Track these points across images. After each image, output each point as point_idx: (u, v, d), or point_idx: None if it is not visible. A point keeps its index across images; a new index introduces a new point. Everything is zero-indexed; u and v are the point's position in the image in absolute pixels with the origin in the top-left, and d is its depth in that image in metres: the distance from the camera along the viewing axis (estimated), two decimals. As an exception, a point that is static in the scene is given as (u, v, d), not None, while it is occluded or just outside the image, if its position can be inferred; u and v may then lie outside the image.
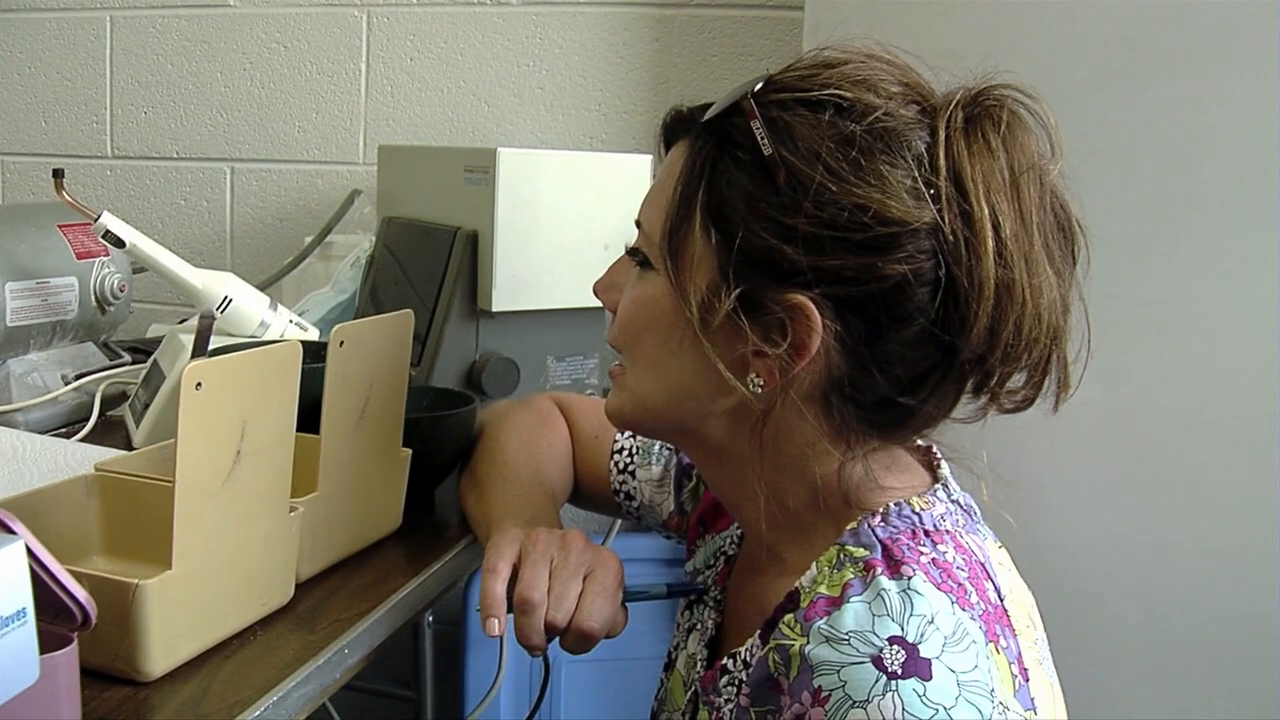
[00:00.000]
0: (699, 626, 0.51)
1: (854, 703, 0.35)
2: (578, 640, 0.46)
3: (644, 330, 0.44)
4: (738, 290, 0.39)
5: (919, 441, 0.45)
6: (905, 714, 0.34)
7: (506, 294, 0.76)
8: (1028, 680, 0.39)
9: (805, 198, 0.38)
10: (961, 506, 0.44)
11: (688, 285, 0.41)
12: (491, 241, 0.75)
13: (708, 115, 0.41)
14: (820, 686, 0.36)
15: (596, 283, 0.48)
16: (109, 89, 1.21)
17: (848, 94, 0.39)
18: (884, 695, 0.35)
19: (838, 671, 0.36)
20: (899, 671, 0.35)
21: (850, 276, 0.38)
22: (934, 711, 0.34)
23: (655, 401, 0.44)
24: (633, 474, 0.61)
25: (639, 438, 0.62)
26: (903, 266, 0.38)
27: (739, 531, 0.52)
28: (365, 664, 0.48)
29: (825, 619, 0.38)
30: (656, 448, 0.61)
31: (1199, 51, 0.68)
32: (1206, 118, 0.68)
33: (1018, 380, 0.41)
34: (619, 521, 0.91)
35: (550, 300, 0.78)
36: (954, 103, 0.40)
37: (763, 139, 0.39)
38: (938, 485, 0.43)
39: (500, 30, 1.09)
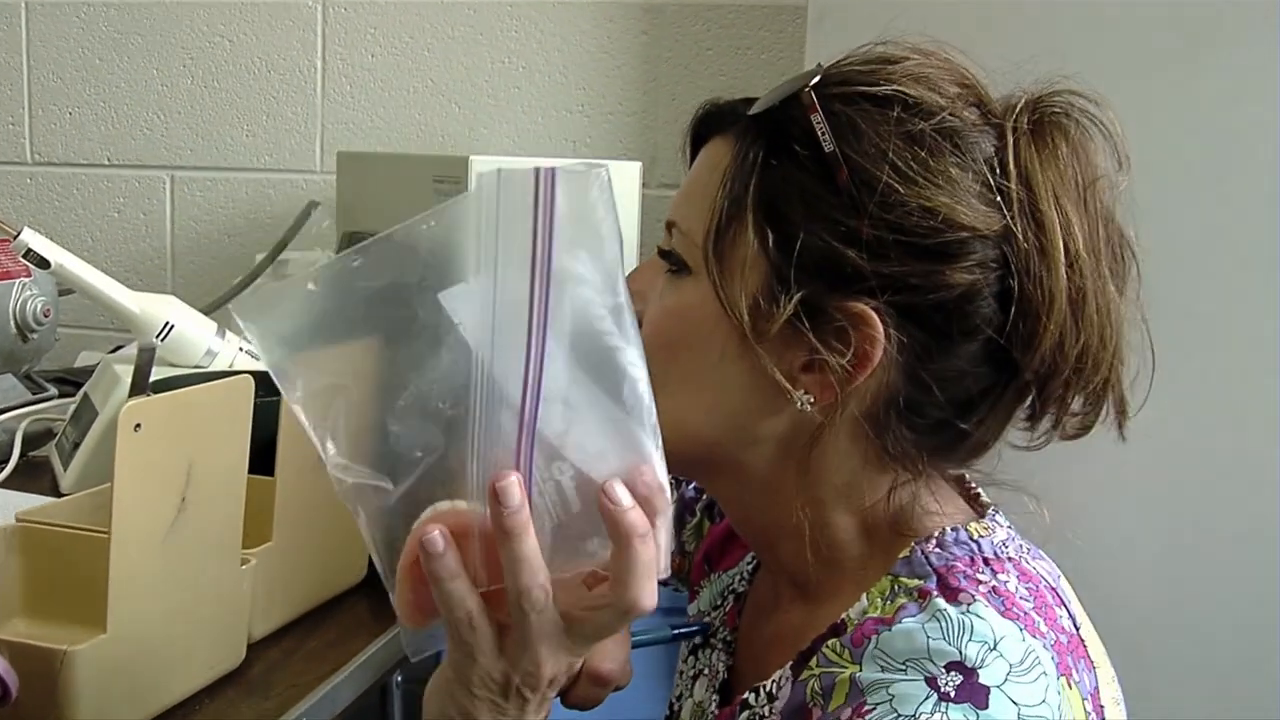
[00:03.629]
0: (706, 671, 0.51)
1: (899, 716, 0.36)
2: (589, 687, 0.45)
3: (679, 343, 0.43)
4: (798, 295, 0.40)
5: (950, 470, 0.46)
6: None
7: (482, 316, 0.77)
8: None
9: (870, 199, 0.39)
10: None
11: (735, 291, 0.41)
12: (465, 258, 0.76)
13: (758, 107, 0.42)
14: (865, 702, 0.37)
15: None
16: (27, 87, 1.22)
17: (911, 91, 0.40)
18: (932, 714, 0.35)
19: (887, 688, 0.37)
20: (952, 695, 0.36)
21: (915, 284, 0.39)
22: None
23: (695, 426, 0.43)
24: None
25: None
26: (971, 275, 0.39)
27: (749, 567, 0.53)
28: (326, 735, 0.48)
29: (875, 639, 0.38)
30: None
31: (1245, 34, 0.69)
32: (1256, 107, 0.69)
33: (1076, 403, 0.42)
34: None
35: (530, 322, 0.79)
36: (1019, 106, 0.41)
37: (824, 134, 0.39)
38: (992, 509, 0.44)
39: (472, 23, 1.10)
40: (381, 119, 1.13)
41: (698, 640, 0.53)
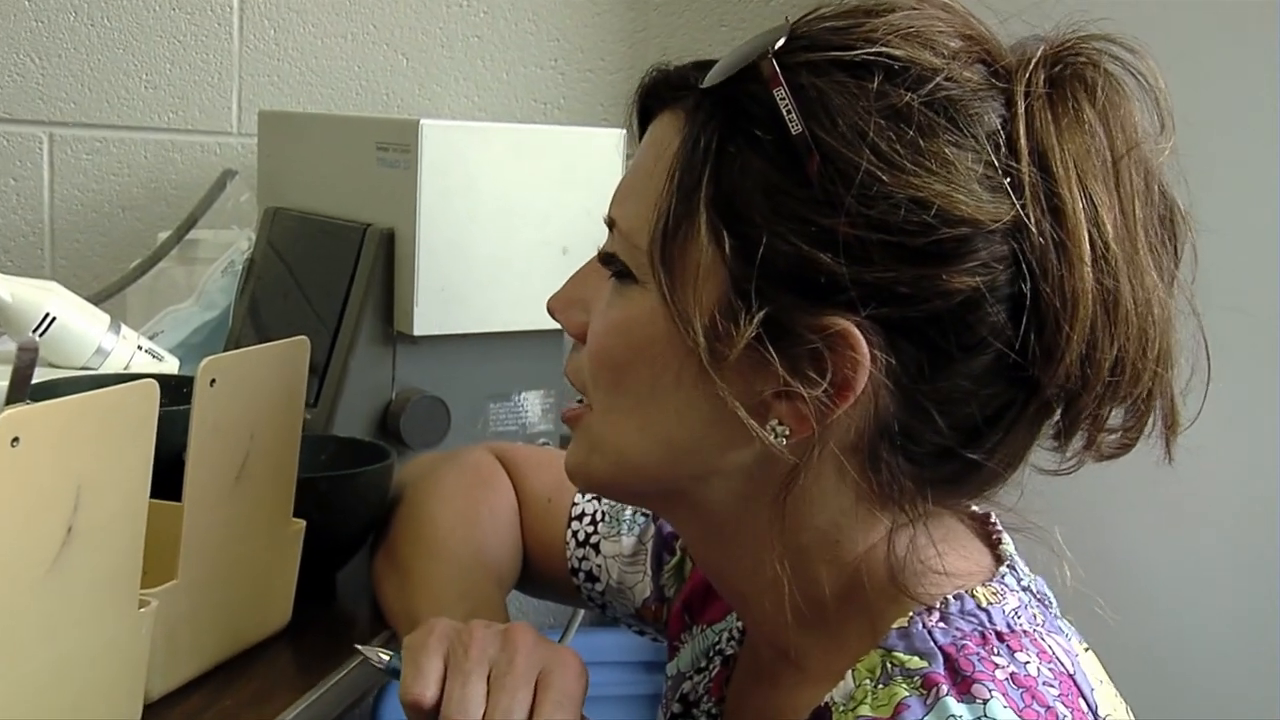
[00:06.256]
0: None
1: None
2: None
3: (627, 364, 0.43)
4: (761, 313, 0.39)
5: (973, 506, 0.46)
6: None
7: (432, 313, 0.77)
8: None
9: (847, 191, 0.38)
10: (1035, 595, 0.44)
11: (689, 305, 0.41)
12: (413, 243, 0.76)
13: (711, 79, 0.41)
14: None
15: (553, 298, 0.49)
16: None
17: (898, 52, 0.39)
18: None
19: None
20: None
21: (906, 293, 0.38)
22: None
23: (642, 458, 0.44)
24: (596, 548, 0.62)
25: (607, 500, 0.63)
26: (974, 279, 0.38)
27: (740, 624, 0.53)
28: (241, 814, 0.48)
29: None
30: (629, 513, 0.62)
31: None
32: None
33: (1115, 418, 0.41)
34: (580, 613, 0.92)
35: (490, 321, 0.79)
36: (1034, 61, 0.40)
37: (789, 113, 0.39)
38: (1003, 568, 0.44)
39: (424, -41, 1.11)
40: (313, 71, 1.13)
41: (676, 709, 0.54)
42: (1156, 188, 0.41)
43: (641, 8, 1.08)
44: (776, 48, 0.40)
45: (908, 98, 0.39)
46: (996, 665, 0.39)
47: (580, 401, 0.47)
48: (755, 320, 0.39)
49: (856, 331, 0.39)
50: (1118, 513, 0.71)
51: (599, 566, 0.62)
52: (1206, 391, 0.42)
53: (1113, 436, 0.42)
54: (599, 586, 0.62)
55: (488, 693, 0.46)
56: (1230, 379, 0.43)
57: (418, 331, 0.77)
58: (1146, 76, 0.41)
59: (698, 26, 1.07)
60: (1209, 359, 0.42)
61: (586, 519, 0.63)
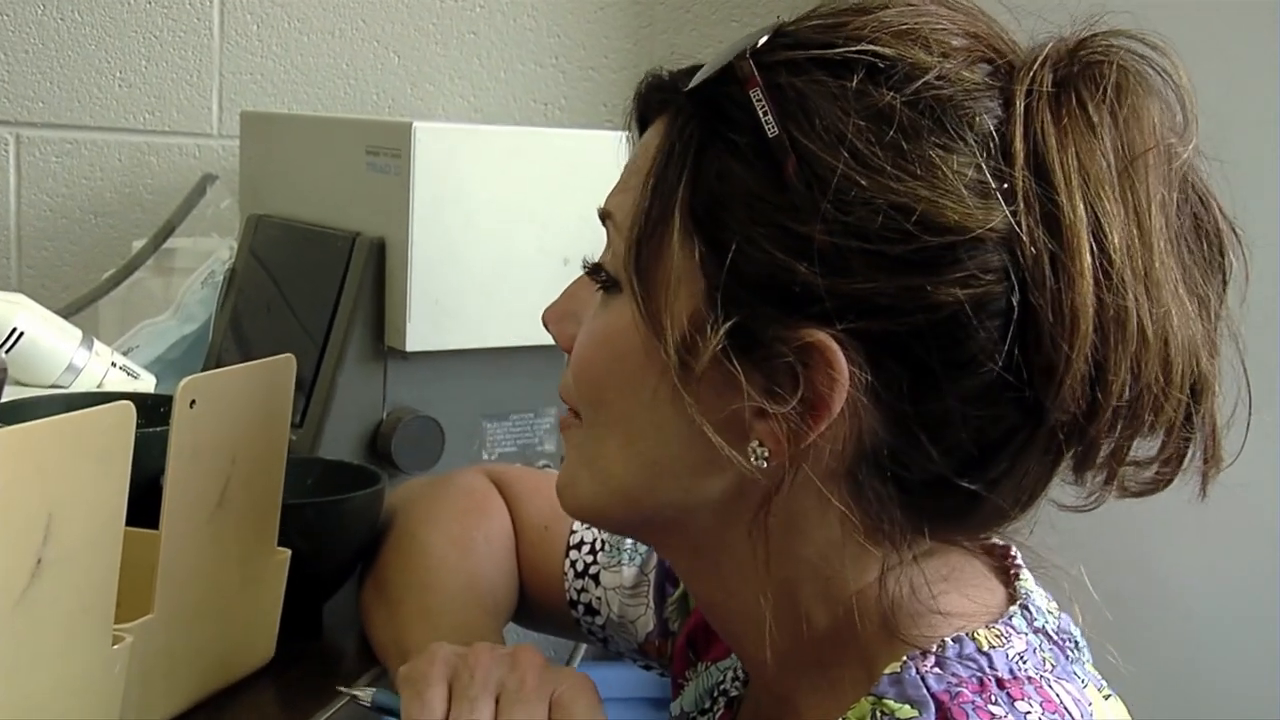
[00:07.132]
0: None
1: None
2: None
3: (605, 377, 0.44)
4: (729, 323, 0.39)
5: (994, 540, 0.46)
6: None
7: (425, 327, 0.77)
8: None
9: (824, 196, 0.38)
10: (1051, 637, 0.43)
11: (662, 314, 0.41)
12: (405, 253, 0.76)
13: (693, 82, 0.42)
14: None
15: (548, 309, 0.49)
16: None
17: (886, 50, 0.39)
18: None
19: None
20: None
21: (887, 305, 0.38)
22: None
23: (623, 479, 0.44)
24: (596, 579, 0.62)
25: None
26: (961, 291, 0.38)
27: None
28: None
29: None
30: (630, 542, 0.62)
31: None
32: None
33: (1147, 448, 0.41)
34: (582, 646, 0.91)
35: (486, 336, 0.80)
36: (1040, 60, 0.40)
37: (766, 115, 0.39)
38: (1013, 609, 0.43)
39: (416, -49, 1.12)
40: (299, 70, 1.14)
41: None
42: (1192, 195, 0.40)
43: (647, 3, 1.08)
44: (756, 47, 0.40)
45: (889, 97, 0.38)
46: (993, 715, 0.39)
47: (573, 414, 0.48)
48: (721, 330, 0.39)
49: (833, 345, 0.39)
50: (1158, 538, 0.71)
51: (599, 599, 0.62)
52: (1249, 420, 0.41)
53: (1147, 473, 0.41)
54: (599, 620, 0.63)
55: (497, 712, 0.46)
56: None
57: (410, 347, 0.77)
58: (1170, 74, 0.40)
59: (706, 21, 1.07)
60: (1248, 381, 0.41)
61: (585, 548, 0.63)
